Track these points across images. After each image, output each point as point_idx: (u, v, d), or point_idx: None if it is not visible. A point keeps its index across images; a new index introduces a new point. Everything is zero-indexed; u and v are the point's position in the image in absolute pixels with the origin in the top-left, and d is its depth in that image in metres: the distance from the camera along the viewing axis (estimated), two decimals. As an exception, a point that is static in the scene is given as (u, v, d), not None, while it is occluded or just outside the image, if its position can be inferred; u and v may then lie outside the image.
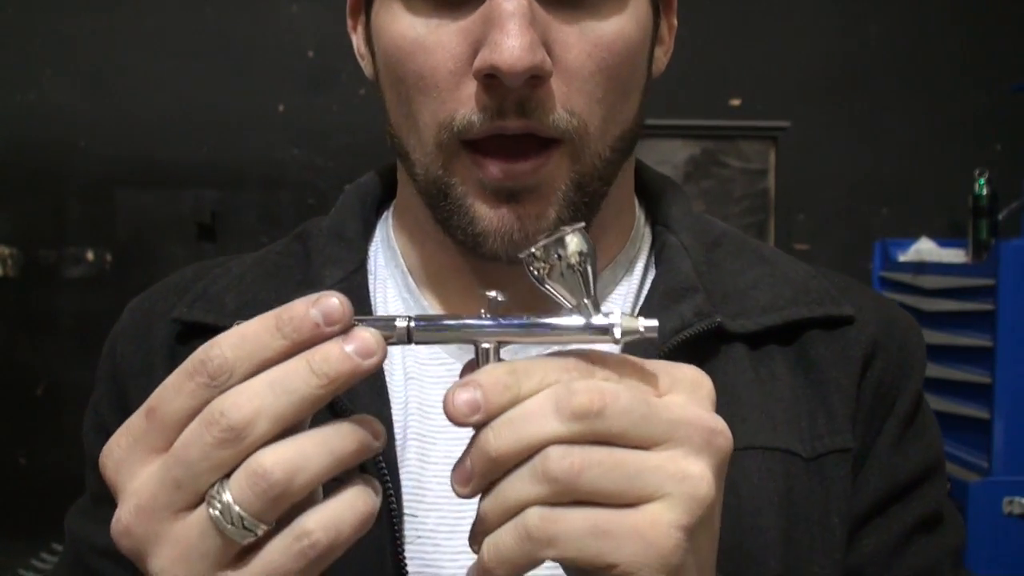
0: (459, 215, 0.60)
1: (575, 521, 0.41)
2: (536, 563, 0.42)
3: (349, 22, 0.69)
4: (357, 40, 0.69)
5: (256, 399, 0.40)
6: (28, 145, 2.48)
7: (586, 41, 0.58)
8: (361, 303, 0.67)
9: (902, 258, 2.34)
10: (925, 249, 2.31)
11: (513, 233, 0.59)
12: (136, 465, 0.42)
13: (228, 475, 0.40)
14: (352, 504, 0.42)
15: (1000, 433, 1.98)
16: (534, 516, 0.41)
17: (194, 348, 0.66)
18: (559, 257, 0.42)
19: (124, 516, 0.42)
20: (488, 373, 0.43)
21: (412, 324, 0.43)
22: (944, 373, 2.10)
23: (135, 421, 0.42)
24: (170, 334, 0.68)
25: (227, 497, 0.40)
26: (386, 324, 0.43)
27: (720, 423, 0.44)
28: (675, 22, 0.70)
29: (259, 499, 0.39)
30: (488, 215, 0.59)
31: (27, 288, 2.49)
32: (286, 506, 0.40)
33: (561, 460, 0.41)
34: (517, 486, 0.42)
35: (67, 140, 2.48)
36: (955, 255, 2.27)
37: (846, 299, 0.68)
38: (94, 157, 2.48)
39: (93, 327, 2.48)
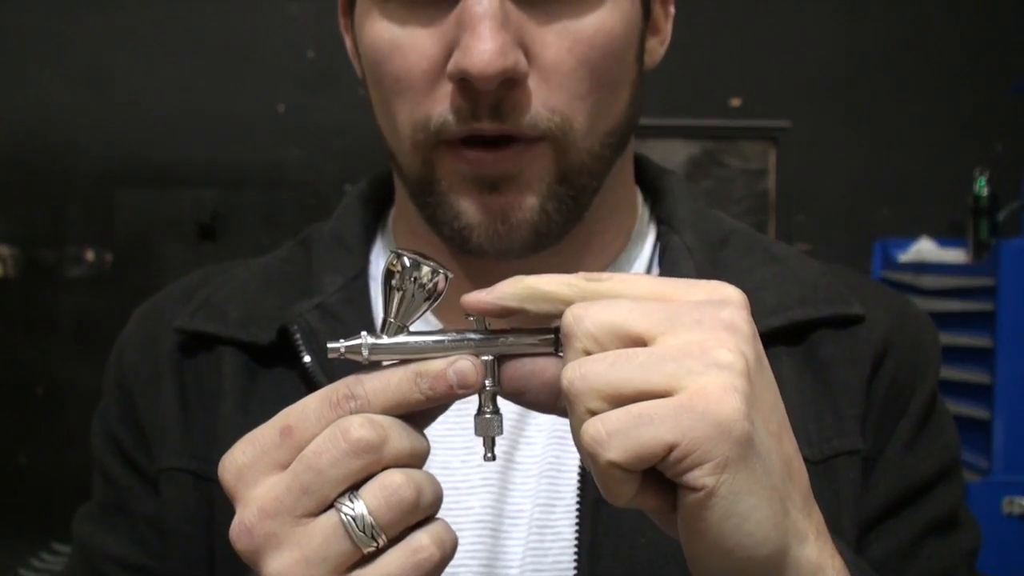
0: (443, 210, 0.60)
1: (616, 416, 0.41)
2: (611, 469, 0.41)
3: (341, 22, 0.69)
4: (349, 41, 0.69)
5: (387, 428, 0.44)
6: (28, 145, 2.48)
7: (565, 38, 0.57)
8: (361, 310, 0.67)
9: (902, 258, 2.34)
10: (925, 249, 2.31)
11: (497, 225, 0.59)
12: (260, 475, 0.44)
13: (356, 488, 0.44)
14: (448, 530, 0.45)
15: (1000, 433, 1.98)
16: (586, 427, 0.42)
17: (199, 359, 0.68)
18: (413, 279, 0.45)
19: (247, 518, 0.44)
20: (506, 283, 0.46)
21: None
22: (944, 373, 2.08)
23: (265, 434, 0.45)
24: (174, 343, 0.68)
25: (360, 506, 0.43)
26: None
27: (727, 301, 0.43)
28: (672, 9, 0.68)
29: (391, 511, 0.43)
30: (470, 208, 0.59)
31: (27, 288, 2.49)
32: (411, 521, 0.44)
33: (570, 371, 0.42)
34: (573, 411, 0.43)
35: (67, 140, 2.48)
36: (955, 255, 2.26)
37: (856, 298, 0.67)
38: (94, 157, 2.48)
39: (93, 327, 2.48)
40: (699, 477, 0.40)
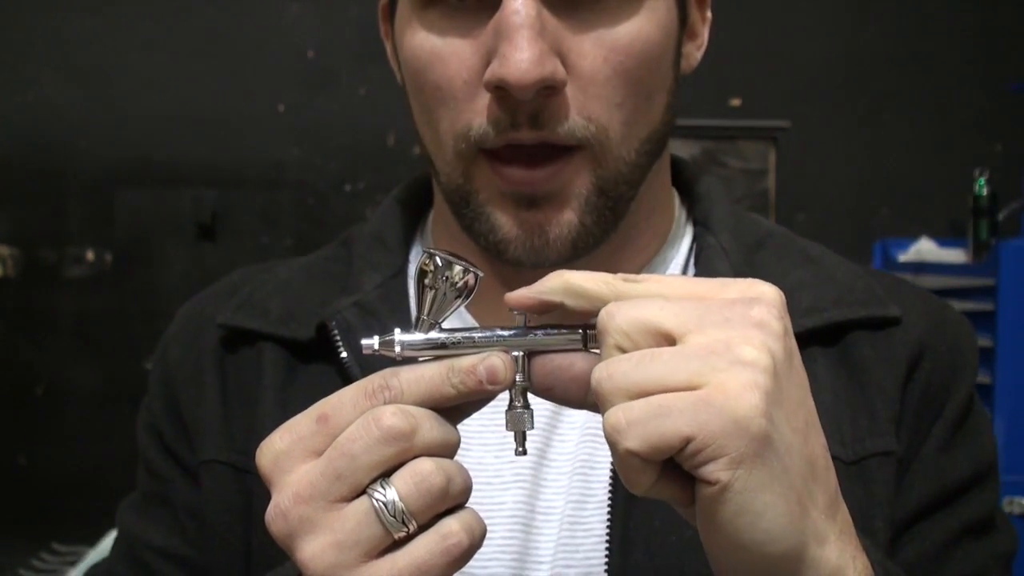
0: (480, 222, 0.61)
1: (638, 406, 0.42)
2: (629, 457, 0.42)
3: (381, 28, 0.70)
4: (389, 48, 0.69)
5: (418, 418, 0.45)
6: (28, 145, 2.48)
7: (601, 47, 0.58)
8: (399, 308, 0.68)
9: (902, 258, 2.33)
10: (925, 249, 2.31)
11: (534, 239, 0.60)
12: (296, 461, 0.46)
13: (387, 476, 0.45)
14: (477, 518, 0.47)
15: (1000, 433, 1.98)
16: (608, 415, 0.43)
17: (240, 355, 0.69)
18: (445, 278, 0.47)
19: (282, 502, 0.45)
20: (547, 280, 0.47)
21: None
22: (944, 373, 2.09)
23: (302, 422, 0.46)
24: (217, 339, 0.70)
25: (391, 492, 0.44)
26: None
27: (754, 305, 0.44)
28: (709, 14, 0.69)
29: (421, 497, 0.44)
30: (507, 222, 0.60)
31: (27, 288, 2.49)
32: (441, 508, 0.45)
33: (598, 371, 0.43)
34: (603, 409, 0.44)
35: (67, 140, 2.48)
36: (955, 255, 2.26)
37: (893, 300, 0.67)
38: (94, 157, 2.48)
39: (93, 327, 2.48)
40: (714, 471, 0.41)
